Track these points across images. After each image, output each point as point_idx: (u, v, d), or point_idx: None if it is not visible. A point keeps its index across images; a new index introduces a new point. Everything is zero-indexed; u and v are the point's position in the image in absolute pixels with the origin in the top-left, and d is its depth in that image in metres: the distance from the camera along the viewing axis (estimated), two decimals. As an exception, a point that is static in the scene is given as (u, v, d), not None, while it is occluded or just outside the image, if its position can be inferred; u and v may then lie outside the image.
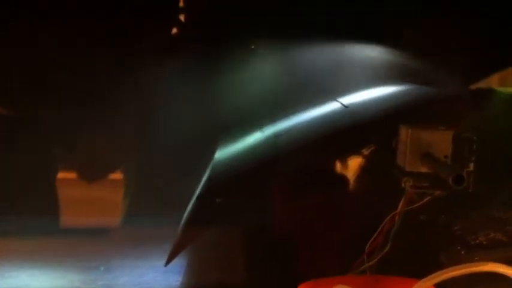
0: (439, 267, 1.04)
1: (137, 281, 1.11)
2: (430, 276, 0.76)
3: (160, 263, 1.07)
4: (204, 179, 1.05)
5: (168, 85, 1.11)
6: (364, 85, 1.07)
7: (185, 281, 1.09)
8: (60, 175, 1.19)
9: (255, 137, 1.06)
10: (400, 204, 0.87)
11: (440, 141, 0.86)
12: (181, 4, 1.17)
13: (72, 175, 1.19)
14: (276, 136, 1.05)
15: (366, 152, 1.11)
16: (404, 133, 0.88)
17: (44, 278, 1.10)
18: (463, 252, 1.06)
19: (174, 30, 1.17)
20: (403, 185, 0.87)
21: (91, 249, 1.14)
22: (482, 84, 1.16)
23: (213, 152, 1.07)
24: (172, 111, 1.11)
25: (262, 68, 1.11)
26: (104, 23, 1.09)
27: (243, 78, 1.10)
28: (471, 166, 0.87)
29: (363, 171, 1.10)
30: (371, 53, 1.10)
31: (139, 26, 1.11)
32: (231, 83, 1.10)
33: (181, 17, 1.18)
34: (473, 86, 1.15)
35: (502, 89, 1.16)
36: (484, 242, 1.07)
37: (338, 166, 1.12)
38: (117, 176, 1.20)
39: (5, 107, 1.15)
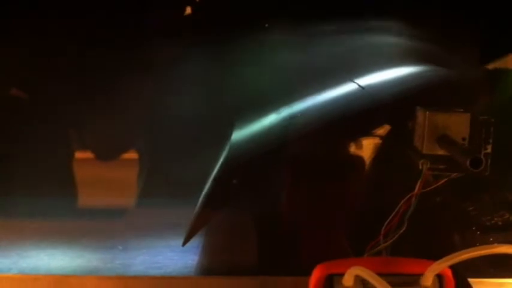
0: (454, 248, 1.05)
1: (154, 260, 1.12)
2: (445, 258, 0.76)
3: (176, 243, 1.08)
4: (220, 160, 1.05)
5: (183, 66, 1.11)
6: (381, 66, 1.07)
7: (201, 261, 1.10)
8: (76, 155, 1.19)
9: (271, 119, 1.06)
10: (417, 186, 0.87)
11: (458, 123, 0.86)
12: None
13: (87, 155, 1.20)
14: (292, 118, 1.05)
15: (382, 133, 1.11)
16: (422, 115, 0.87)
17: (63, 257, 1.11)
18: (478, 233, 1.07)
19: (188, 10, 1.17)
20: (420, 167, 0.87)
21: (108, 229, 1.15)
22: (499, 64, 1.16)
23: (230, 134, 1.07)
24: (188, 92, 1.11)
25: (279, 49, 1.11)
26: (115, 5, 1.09)
27: (259, 59, 1.10)
28: (489, 148, 0.86)
29: (379, 152, 1.10)
30: (388, 34, 1.09)
31: (151, 5, 1.10)
32: (247, 64, 1.10)
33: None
34: (490, 66, 1.14)
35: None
36: (499, 223, 1.07)
37: (354, 147, 1.12)
38: (132, 155, 1.20)
39: (17, 88, 1.16)
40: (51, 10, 1.05)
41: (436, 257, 0.79)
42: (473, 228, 1.06)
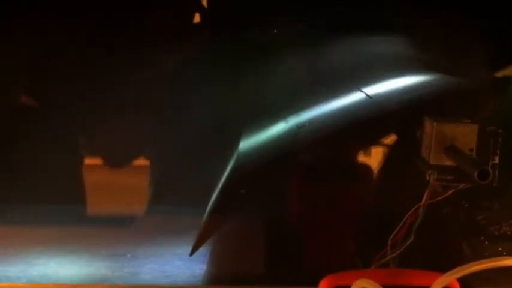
0: (462, 258, 1.04)
1: (162, 269, 1.12)
2: (452, 271, 0.76)
3: (184, 252, 1.08)
4: (228, 169, 1.05)
5: (191, 73, 1.11)
6: (389, 75, 1.07)
7: (208, 270, 1.10)
8: (85, 162, 1.20)
9: (278, 128, 1.06)
10: (425, 196, 0.87)
11: (466, 134, 0.86)
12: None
13: (96, 162, 1.20)
14: (299, 127, 1.05)
15: (389, 142, 1.10)
16: (429, 126, 0.87)
17: (71, 265, 1.11)
18: (486, 243, 1.06)
19: (196, 16, 1.17)
20: (427, 177, 0.87)
21: (117, 237, 1.16)
22: (508, 71, 1.15)
23: (237, 142, 1.07)
24: (195, 100, 1.11)
25: (286, 57, 1.11)
26: (122, 8, 1.09)
27: (266, 66, 1.10)
28: (496, 159, 0.86)
29: (387, 161, 1.10)
30: (395, 42, 1.09)
31: (159, 11, 1.11)
32: (254, 72, 1.10)
33: (204, 2, 1.17)
34: (499, 74, 1.14)
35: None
36: (508, 233, 1.06)
37: (361, 157, 1.12)
38: (142, 162, 1.21)
39: (26, 97, 1.17)
40: (51, 10, 1.05)
41: (444, 266, 0.79)
42: (482, 238, 1.05)
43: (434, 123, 0.86)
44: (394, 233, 0.87)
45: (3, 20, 1.05)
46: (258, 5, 1.10)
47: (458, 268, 0.75)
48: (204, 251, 1.08)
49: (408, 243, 0.87)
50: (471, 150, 0.86)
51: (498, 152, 0.86)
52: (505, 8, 1.07)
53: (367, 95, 1.04)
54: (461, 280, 0.80)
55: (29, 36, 1.06)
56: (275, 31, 1.12)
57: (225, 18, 1.14)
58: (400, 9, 1.07)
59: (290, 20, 1.10)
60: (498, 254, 1.04)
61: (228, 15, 1.14)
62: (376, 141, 1.11)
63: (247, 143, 1.07)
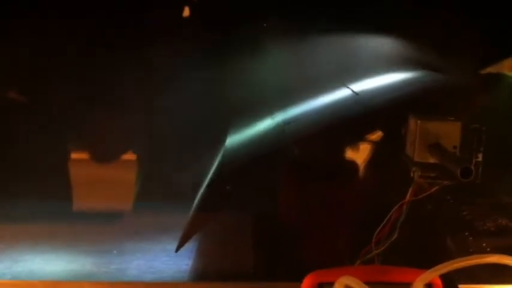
0: (446, 254, 1.05)
1: (149, 265, 1.12)
2: (435, 268, 0.76)
3: (171, 247, 1.08)
4: (214, 165, 1.06)
5: (179, 69, 1.11)
6: (374, 72, 1.07)
7: (195, 266, 1.11)
8: (71, 157, 1.19)
9: (265, 124, 1.07)
10: (408, 193, 0.88)
11: (449, 132, 0.86)
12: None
13: (83, 156, 1.20)
14: (285, 123, 1.05)
15: (375, 139, 1.11)
16: (413, 124, 0.88)
17: (57, 261, 1.11)
18: (470, 238, 1.07)
19: (185, 11, 1.17)
20: (411, 174, 0.88)
21: (103, 233, 1.15)
22: (493, 69, 1.15)
23: (224, 139, 1.08)
24: (182, 97, 1.11)
25: (273, 54, 1.11)
26: (122, 8, 1.09)
27: (253, 64, 1.10)
28: (480, 157, 0.87)
29: (374, 158, 1.11)
30: (381, 39, 1.09)
31: (148, 7, 1.10)
32: (241, 69, 1.10)
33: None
34: (483, 71, 1.14)
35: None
36: (492, 228, 1.07)
37: (348, 153, 1.12)
38: (129, 156, 1.20)
39: (15, 92, 1.16)
40: (51, 10, 1.05)
41: (429, 262, 0.79)
42: (466, 234, 1.06)
43: (419, 121, 0.87)
44: (379, 229, 0.88)
45: (3, 20, 1.05)
46: (248, 6, 1.10)
47: (441, 265, 0.76)
48: (190, 247, 1.09)
49: (392, 239, 0.87)
50: (455, 147, 0.87)
51: (481, 149, 0.87)
52: (494, 10, 1.08)
53: (353, 91, 1.05)
54: (445, 276, 0.80)
55: (29, 36, 1.05)
56: (265, 25, 1.12)
57: (214, 14, 1.14)
58: (389, 7, 1.07)
59: (280, 15, 1.10)
60: (482, 250, 1.05)
61: (217, 10, 1.14)
62: (362, 138, 1.11)
63: (234, 140, 1.08)
